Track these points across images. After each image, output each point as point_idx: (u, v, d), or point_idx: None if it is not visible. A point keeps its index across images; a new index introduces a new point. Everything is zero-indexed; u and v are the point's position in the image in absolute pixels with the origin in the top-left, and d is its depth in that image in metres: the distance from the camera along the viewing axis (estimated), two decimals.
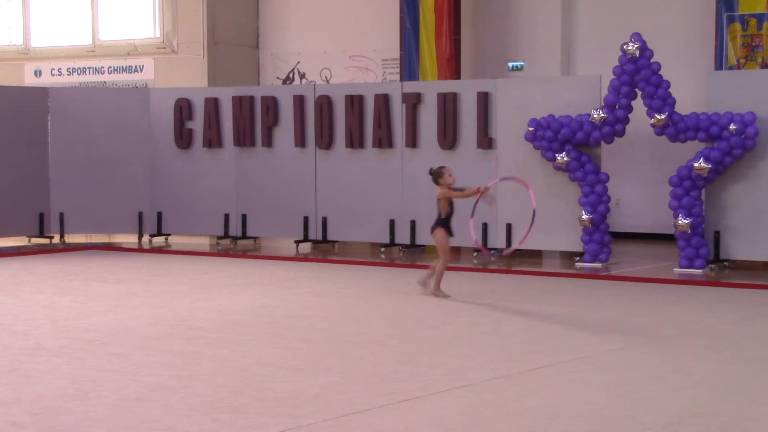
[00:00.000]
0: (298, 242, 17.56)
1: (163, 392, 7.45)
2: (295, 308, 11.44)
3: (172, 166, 18.34)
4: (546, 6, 19.60)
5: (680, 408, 7.01)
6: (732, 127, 13.98)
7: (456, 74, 19.58)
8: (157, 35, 22.31)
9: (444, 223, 12.19)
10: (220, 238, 18.12)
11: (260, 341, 9.47)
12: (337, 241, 17.59)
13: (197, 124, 18.19)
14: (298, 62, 22.00)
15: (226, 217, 18.03)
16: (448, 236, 12.20)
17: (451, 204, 12.22)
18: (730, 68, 17.09)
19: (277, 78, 22.19)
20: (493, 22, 20.21)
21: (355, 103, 17.07)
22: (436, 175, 12.33)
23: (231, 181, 18.07)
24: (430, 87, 16.88)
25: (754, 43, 17.14)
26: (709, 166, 14.10)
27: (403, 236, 16.72)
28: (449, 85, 16.98)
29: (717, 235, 14.43)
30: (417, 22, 19.77)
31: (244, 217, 17.95)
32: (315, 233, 17.45)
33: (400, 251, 16.69)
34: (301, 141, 17.53)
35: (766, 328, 10.19)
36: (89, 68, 22.88)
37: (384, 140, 16.85)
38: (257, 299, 12.07)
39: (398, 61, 20.27)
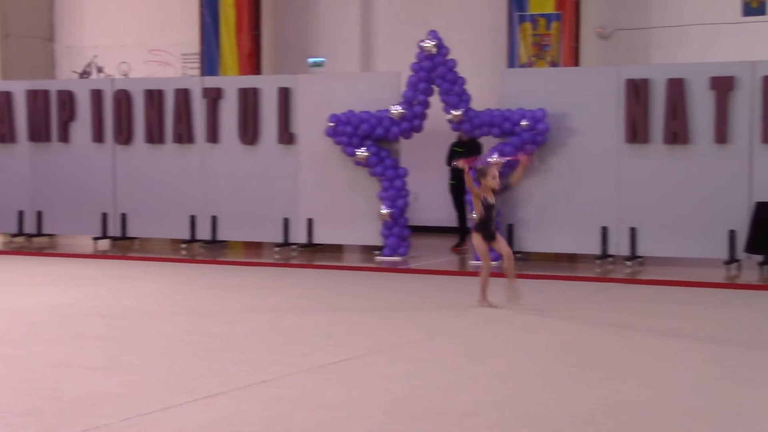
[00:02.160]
0: (96, 239, 17.21)
1: None
2: (92, 306, 11.22)
3: None
4: (345, 3, 19.80)
5: (476, 397, 7.20)
6: (524, 123, 14.46)
7: (257, 70, 19.57)
8: None
9: (480, 227, 10.90)
10: (13, 235, 17.60)
11: (55, 341, 9.25)
12: (136, 238, 17.33)
13: None
14: (96, 56, 21.55)
15: (20, 213, 17.52)
16: (487, 241, 10.90)
17: (487, 207, 10.80)
18: (522, 66, 17.65)
19: (74, 72, 21.67)
20: (294, 18, 20.27)
21: (154, 97, 16.85)
22: (479, 173, 10.87)
23: (26, 177, 17.57)
24: (231, 82, 16.82)
25: (543, 42, 17.75)
26: (503, 160, 14.50)
27: (204, 232, 16.62)
28: (250, 81, 16.95)
29: (511, 228, 14.90)
30: (217, 16, 19.66)
31: (39, 214, 17.48)
32: (114, 230, 17.15)
33: (201, 247, 16.58)
34: (98, 136, 17.20)
35: (552, 317, 10.57)
36: None
37: (184, 135, 16.70)
38: (53, 298, 11.78)
39: (198, 56, 20.11)
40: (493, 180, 10.73)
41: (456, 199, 16.35)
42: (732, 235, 13.76)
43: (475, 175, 10.90)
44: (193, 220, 16.65)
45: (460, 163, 11.03)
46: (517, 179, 11.53)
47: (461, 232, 16.41)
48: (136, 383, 7.58)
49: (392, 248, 15.29)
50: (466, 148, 16.04)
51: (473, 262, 14.75)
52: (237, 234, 16.69)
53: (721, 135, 13.85)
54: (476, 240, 10.95)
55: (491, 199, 10.82)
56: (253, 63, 19.56)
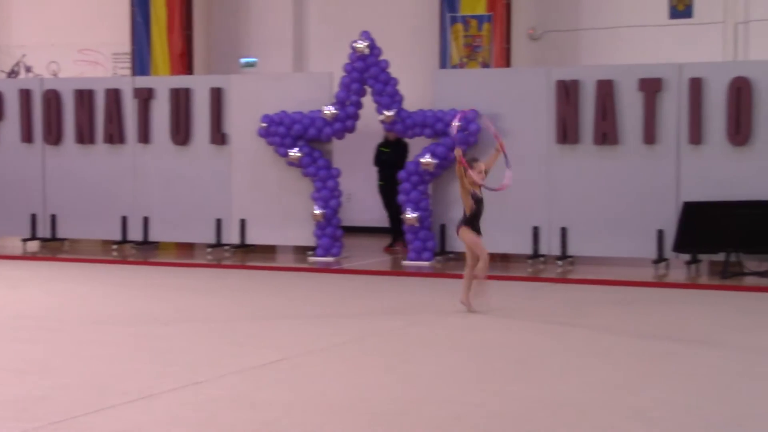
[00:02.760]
0: (25, 240, 17.00)
1: None
2: (21, 309, 11.09)
3: None
4: (278, 3, 19.77)
5: (409, 397, 7.24)
6: (456, 123, 14.52)
7: (189, 70, 19.46)
8: None
9: (470, 221, 10.68)
10: None
11: None
12: (67, 239, 17.16)
13: None
14: (24, 55, 21.28)
15: None
16: (474, 231, 10.70)
17: (477, 200, 10.66)
18: (454, 67, 17.75)
19: (2, 71, 21.38)
20: (226, 19, 20.20)
21: (84, 97, 16.69)
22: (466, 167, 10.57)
23: None
24: (163, 82, 16.71)
25: (475, 43, 17.87)
26: (436, 161, 14.62)
27: (135, 233, 16.49)
28: (182, 81, 16.86)
29: (443, 229, 14.99)
30: (148, 16, 19.51)
31: None
32: (44, 231, 16.96)
33: (132, 248, 16.45)
34: (27, 136, 17.00)
35: (485, 317, 10.64)
36: None
37: (115, 136, 16.57)
38: None
39: (129, 56, 19.95)
40: (479, 174, 10.52)
41: (386, 199, 16.39)
42: (660, 234, 13.96)
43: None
44: (124, 221, 16.52)
45: (457, 152, 10.62)
46: (491, 166, 11.00)
47: (393, 232, 16.46)
48: (66, 386, 7.52)
49: (325, 248, 15.31)
50: (392, 148, 16.10)
51: (407, 263, 14.82)
52: (169, 235, 16.59)
53: (650, 136, 14.05)
54: (468, 234, 10.67)
55: (480, 194, 10.70)
56: (184, 63, 19.45)
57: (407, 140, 16.01)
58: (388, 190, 16.08)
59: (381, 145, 16.32)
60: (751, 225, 13.36)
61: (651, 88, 14.03)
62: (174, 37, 19.45)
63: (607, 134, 14.22)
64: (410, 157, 15.03)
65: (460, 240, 10.93)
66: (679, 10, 17.50)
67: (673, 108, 13.97)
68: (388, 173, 16.06)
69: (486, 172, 10.69)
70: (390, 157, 16.08)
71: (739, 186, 13.63)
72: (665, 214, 13.95)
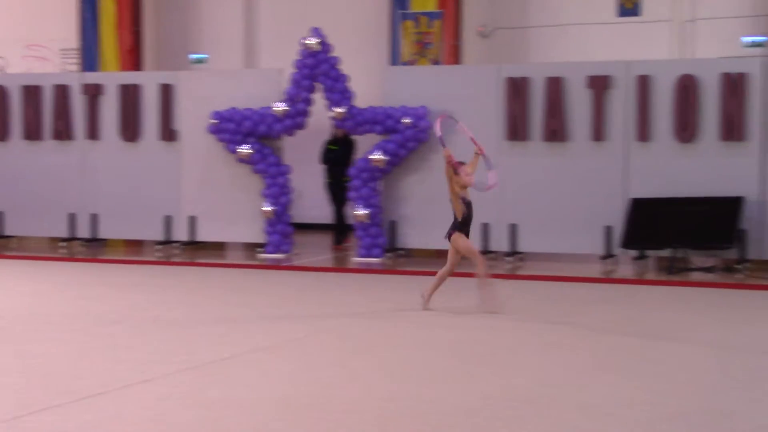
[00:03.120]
0: None
1: None
2: None
3: None
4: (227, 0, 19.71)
5: (360, 393, 7.26)
6: (406, 120, 14.59)
7: (138, 66, 19.34)
8: None
9: (462, 226, 10.54)
10: None
11: None
12: (14, 236, 16.99)
13: None
14: None
15: None
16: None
17: (467, 204, 10.55)
18: (404, 64, 17.78)
19: None
20: (176, 15, 20.11)
21: (32, 93, 16.54)
22: (453, 170, 10.48)
23: None
24: (112, 78, 16.60)
25: (425, 40, 17.92)
26: (386, 158, 14.64)
27: (83, 230, 16.37)
28: (131, 77, 16.75)
29: (393, 225, 15.02)
30: (96, 12, 19.37)
31: None
32: None
33: (80, 245, 16.33)
34: None
35: (435, 313, 10.69)
36: None
37: (63, 132, 16.44)
38: None
39: (78, 52, 19.78)
40: (467, 177, 10.41)
41: (333, 196, 16.38)
42: (608, 231, 14.09)
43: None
44: (72, 218, 16.39)
45: (446, 152, 10.49)
46: (474, 169, 10.79)
47: (339, 229, 16.46)
48: (13, 384, 7.45)
49: (275, 245, 15.28)
50: (340, 145, 16.11)
51: (357, 259, 14.84)
52: (118, 232, 16.48)
53: (598, 133, 14.17)
54: (462, 241, 10.48)
55: (468, 197, 10.58)
56: (133, 59, 19.33)
57: (354, 137, 16.03)
58: (336, 187, 16.11)
59: (329, 143, 16.32)
60: (696, 221, 13.51)
61: (599, 85, 14.15)
62: (123, 32, 19.32)
63: (556, 131, 14.32)
64: (360, 154, 15.04)
65: (453, 246, 10.62)
66: (627, 8, 17.67)
67: (621, 105, 14.10)
68: (336, 171, 16.08)
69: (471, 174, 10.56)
70: (338, 155, 16.10)
71: (685, 182, 13.78)
72: (613, 210, 14.07)
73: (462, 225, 10.54)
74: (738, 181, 13.61)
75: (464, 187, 10.49)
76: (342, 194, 16.11)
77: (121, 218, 16.20)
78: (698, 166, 13.80)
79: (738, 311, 10.94)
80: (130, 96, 16.12)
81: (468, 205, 10.53)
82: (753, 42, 16.76)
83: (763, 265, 13.56)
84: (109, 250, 16.48)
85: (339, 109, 14.83)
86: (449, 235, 10.63)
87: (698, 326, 9.95)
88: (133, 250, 16.65)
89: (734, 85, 13.61)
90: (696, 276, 13.29)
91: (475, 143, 10.92)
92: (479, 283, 10.68)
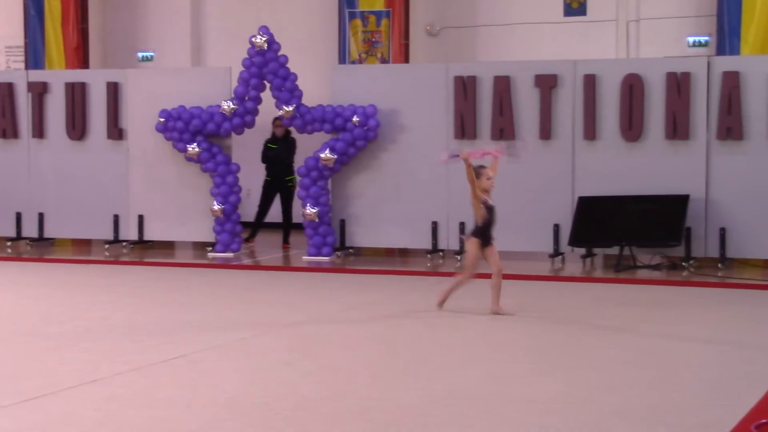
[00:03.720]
0: None
1: None
2: None
3: None
4: None
5: (308, 392, 7.27)
6: (355, 119, 14.61)
7: (84, 63, 19.18)
8: None
9: (481, 232, 10.24)
10: None
11: None
12: None
13: None
14: None
15: None
16: (482, 247, 10.24)
17: (489, 209, 10.23)
18: (353, 62, 17.81)
19: None
20: (122, 12, 19.97)
21: None
22: (476, 174, 10.18)
23: None
24: (58, 76, 16.48)
25: (374, 39, 17.95)
26: (335, 156, 14.66)
27: (30, 229, 16.23)
28: (77, 75, 16.63)
29: (343, 224, 15.04)
30: (42, 9, 19.17)
31: None
32: None
33: (27, 245, 16.20)
34: None
35: (385, 312, 10.73)
36: None
37: (8, 131, 16.29)
38: None
39: (23, 49, 19.58)
40: (487, 181, 10.17)
41: (266, 195, 16.20)
42: (557, 229, 14.20)
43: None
44: (18, 217, 16.24)
45: (464, 155, 10.22)
46: (496, 171, 10.55)
47: (255, 226, 16.27)
48: None
49: (225, 244, 15.24)
50: (280, 144, 16.06)
51: (307, 258, 14.83)
52: (65, 231, 16.35)
53: (546, 131, 14.27)
54: (471, 246, 10.23)
55: (491, 201, 10.30)
56: (80, 57, 19.16)
57: (294, 136, 16.03)
58: (278, 186, 16.05)
59: (268, 142, 16.21)
60: (643, 219, 13.66)
61: (546, 84, 14.25)
62: (69, 30, 19.14)
63: (504, 130, 14.40)
64: (309, 153, 15.03)
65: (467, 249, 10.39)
66: (573, 7, 17.81)
67: (568, 104, 14.21)
68: (277, 169, 16.03)
69: (492, 178, 10.34)
70: (278, 153, 16.04)
71: (631, 181, 13.92)
72: (561, 208, 14.19)
73: (482, 229, 10.24)
74: (683, 180, 13.77)
75: (486, 190, 10.25)
76: (286, 193, 16.10)
77: (69, 217, 16.08)
78: (644, 164, 13.94)
79: (683, 308, 11.06)
80: (76, 94, 16.00)
81: (490, 209, 10.25)
82: (697, 42, 16.98)
83: (708, 263, 13.73)
84: (57, 249, 16.35)
85: (287, 108, 14.81)
86: (466, 239, 10.40)
87: (643, 323, 10.06)
88: (81, 250, 16.53)
89: (679, 85, 13.76)
90: (642, 273, 13.43)
91: (487, 153, 10.67)
92: (452, 283, 10.52)
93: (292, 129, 15.52)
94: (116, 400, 7.03)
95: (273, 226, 17.79)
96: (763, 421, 6.38)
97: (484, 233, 10.25)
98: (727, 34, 16.25)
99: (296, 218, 15.90)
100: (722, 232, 13.62)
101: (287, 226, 16.37)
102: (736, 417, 6.54)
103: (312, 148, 15.20)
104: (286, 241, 16.42)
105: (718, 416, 6.60)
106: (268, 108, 15.37)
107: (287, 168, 16.17)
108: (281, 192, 16.18)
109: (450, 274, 13.48)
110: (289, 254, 15.78)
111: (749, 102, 13.55)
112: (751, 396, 7.08)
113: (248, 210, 16.99)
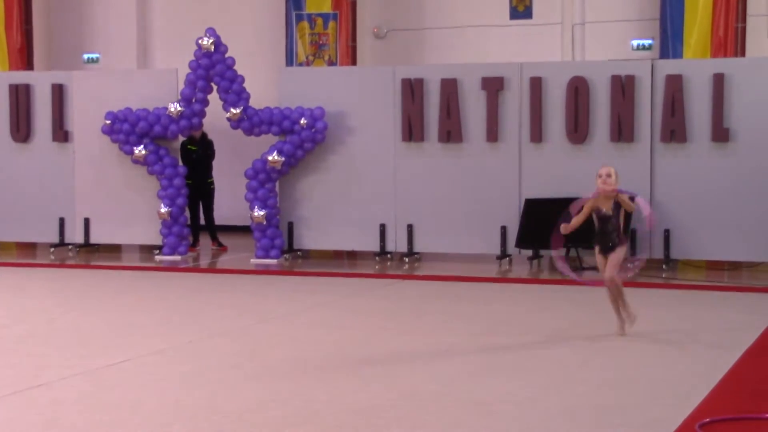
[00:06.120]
0: None
1: None
2: None
3: None
4: None
5: (257, 395, 7.26)
6: (303, 121, 14.61)
7: (29, 65, 18.99)
8: None
9: (597, 241, 9.68)
10: None
11: None
12: None
13: None
14: None
15: None
16: (601, 253, 9.57)
17: (602, 218, 9.64)
18: (300, 65, 17.80)
19: None
20: (67, 13, 19.80)
21: None
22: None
23: None
24: (2, 78, 16.37)
25: (321, 41, 17.96)
26: (283, 159, 14.64)
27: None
28: (22, 77, 16.48)
29: (291, 226, 15.03)
30: None
31: None
32: None
33: None
34: None
35: (334, 314, 10.75)
36: None
37: None
38: None
39: None
40: (602, 182, 9.51)
41: (191, 199, 16.07)
42: (504, 231, 14.28)
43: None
44: None
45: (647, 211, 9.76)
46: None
47: (194, 230, 16.15)
48: None
49: (172, 247, 15.17)
50: (198, 146, 15.93)
51: (254, 260, 14.80)
52: (9, 234, 16.19)
53: (492, 134, 14.35)
54: (597, 256, 9.65)
55: (607, 211, 9.58)
56: (24, 58, 18.97)
57: (211, 138, 16.04)
58: (200, 188, 15.92)
59: (187, 144, 16.01)
60: (588, 221, 13.73)
61: (493, 86, 14.33)
62: (12, 31, 18.95)
63: (451, 132, 14.47)
64: (256, 155, 14.99)
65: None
66: (519, 11, 17.93)
67: (514, 107, 14.30)
68: (198, 171, 15.90)
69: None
70: (199, 155, 15.92)
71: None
72: (508, 210, 14.27)
73: (597, 239, 9.67)
74: (628, 182, 13.83)
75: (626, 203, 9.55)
76: (207, 195, 16.04)
77: (13, 220, 15.92)
78: (590, 166, 13.99)
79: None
80: (20, 96, 15.86)
81: (603, 219, 9.59)
82: (641, 45, 17.18)
83: (652, 264, 13.87)
84: (1, 253, 16.16)
85: (235, 110, 14.78)
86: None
87: (588, 324, 10.13)
88: (26, 253, 16.37)
89: (624, 88, 13.90)
90: (588, 274, 13.53)
91: (648, 213, 10.10)
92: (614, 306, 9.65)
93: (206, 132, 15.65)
94: (62, 404, 6.98)
95: (222, 228, 17.74)
96: (707, 420, 6.46)
97: (601, 241, 9.67)
98: (670, 38, 16.46)
99: (244, 220, 15.82)
100: (666, 234, 13.77)
101: (212, 228, 16.27)
102: (680, 416, 6.62)
103: (260, 150, 15.17)
104: (217, 243, 16.25)
105: (664, 415, 6.67)
106: (216, 110, 15.33)
107: (206, 170, 16.10)
108: (202, 194, 16.04)
109: (397, 276, 13.55)
110: (237, 257, 15.69)
111: (692, 105, 13.72)
112: (696, 395, 7.17)
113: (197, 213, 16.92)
